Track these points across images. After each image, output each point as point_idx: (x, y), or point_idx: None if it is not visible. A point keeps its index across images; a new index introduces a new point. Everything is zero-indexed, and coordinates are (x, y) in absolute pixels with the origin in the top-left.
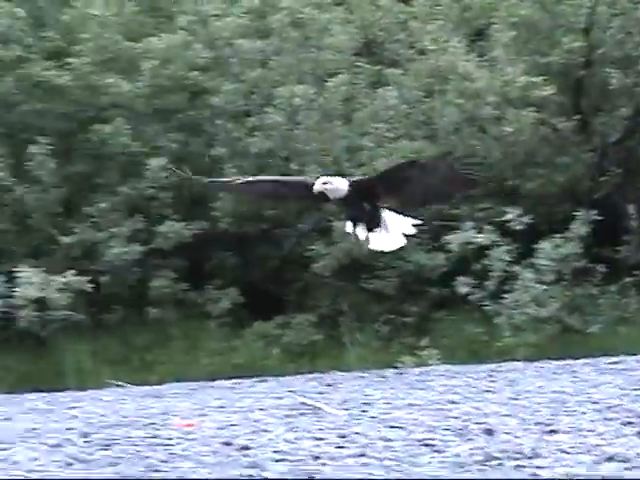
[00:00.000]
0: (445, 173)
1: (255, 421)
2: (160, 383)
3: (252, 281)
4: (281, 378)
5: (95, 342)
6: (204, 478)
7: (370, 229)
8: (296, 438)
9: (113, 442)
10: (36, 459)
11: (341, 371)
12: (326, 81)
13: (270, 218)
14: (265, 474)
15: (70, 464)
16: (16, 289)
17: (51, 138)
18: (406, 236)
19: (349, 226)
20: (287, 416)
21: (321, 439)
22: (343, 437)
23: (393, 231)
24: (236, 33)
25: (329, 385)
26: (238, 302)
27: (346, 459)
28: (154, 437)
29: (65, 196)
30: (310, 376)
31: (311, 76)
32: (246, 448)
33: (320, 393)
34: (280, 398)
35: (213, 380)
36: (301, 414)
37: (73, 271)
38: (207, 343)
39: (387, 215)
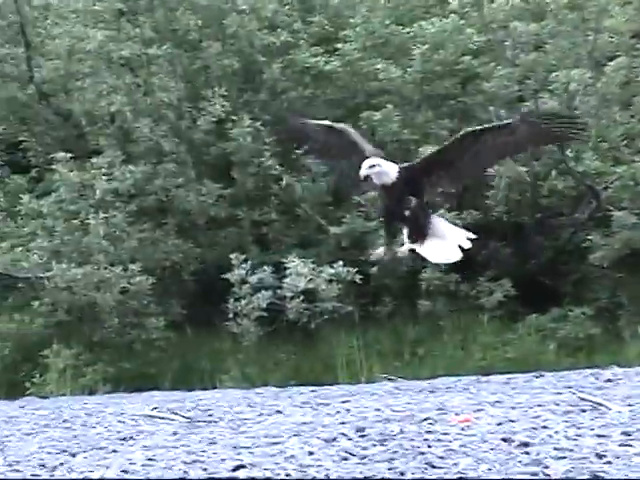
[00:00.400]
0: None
1: (534, 417)
2: (431, 377)
3: (526, 272)
4: (558, 373)
5: (365, 335)
6: (486, 479)
7: (416, 232)
8: (577, 435)
9: (388, 437)
10: (311, 453)
11: (620, 366)
12: (604, 65)
13: (545, 207)
14: (548, 472)
15: (345, 459)
16: (285, 280)
17: None
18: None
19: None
20: (567, 412)
21: (604, 436)
22: (628, 435)
23: (447, 240)
24: (510, 16)
25: (609, 381)
26: (511, 294)
27: (633, 458)
28: (430, 432)
29: (334, 185)
30: (588, 371)
31: (588, 60)
32: (526, 445)
33: (599, 389)
34: (558, 394)
35: (486, 375)
36: (581, 410)
37: (342, 262)
38: (480, 336)
39: (439, 222)
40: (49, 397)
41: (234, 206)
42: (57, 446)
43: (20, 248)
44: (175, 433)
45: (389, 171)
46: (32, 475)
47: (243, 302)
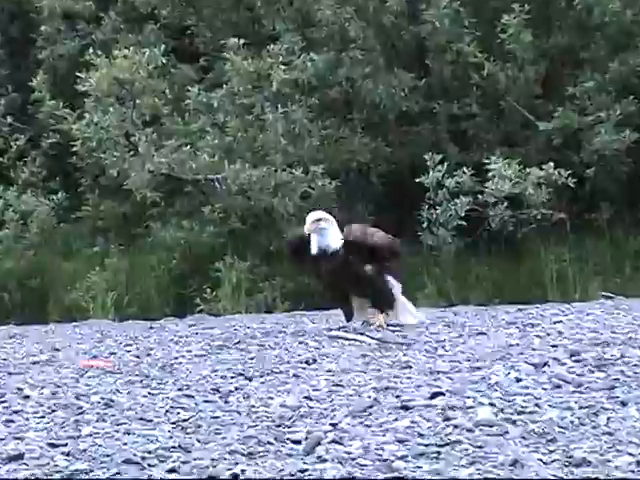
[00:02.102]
0: None
1: None
2: None
3: None
4: None
5: (578, 246)
6: None
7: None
8: None
9: (607, 362)
10: (519, 380)
11: None
12: None
13: None
14: None
15: (558, 386)
16: (487, 184)
17: (527, 5)
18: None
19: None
20: None
21: None
22: None
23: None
24: None
25: None
26: None
27: None
28: None
29: (544, 74)
30: None
31: None
32: None
33: None
34: None
35: None
36: None
37: (552, 162)
38: None
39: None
40: (222, 315)
41: (429, 99)
42: (232, 369)
43: (188, 147)
44: (364, 356)
45: (335, 234)
46: (205, 401)
47: (439, 209)
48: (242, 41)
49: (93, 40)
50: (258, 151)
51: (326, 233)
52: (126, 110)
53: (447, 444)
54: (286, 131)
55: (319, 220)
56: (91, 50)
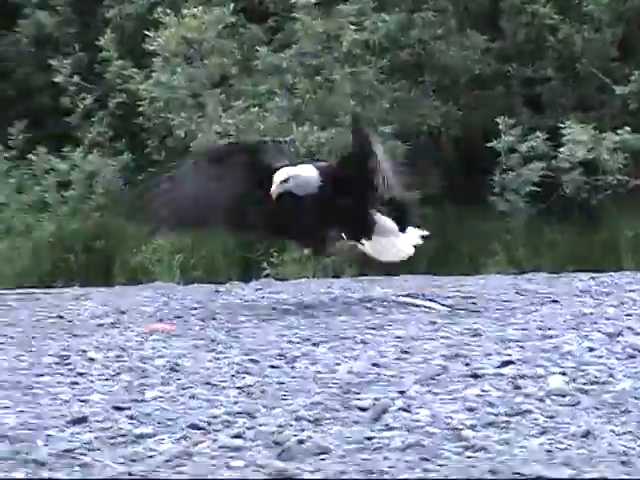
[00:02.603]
0: None
1: None
2: None
3: None
4: None
5: None
6: None
7: (359, 233)
8: None
9: None
10: (591, 349)
11: None
12: None
13: None
14: None
15: (632, 356)
16: (561, 149)
17: None
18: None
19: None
20: None
21: None
22: None
23: (395, 236)
24: None
25: None
26: None
27: None
28: None
29: (620, 37)
30: None
31: None
32: None
33: None
34: None
35: None
36: None
37: (629, 127)
38: None
39: (384, 220)
40: (288, 279)
41: (502, 61)
42: (298, 334)
43: (256, 108)
44: (433, 323)
45: (309, 177)
46: (270, 366)
47: (511, 174)
48: (312, 0)
49: None
50: (327, 113)
51: (300, 182)
52: (194, 70)
53: (517, 414)
54: (355, 93)
55: (284, 182)
56: (159, 9)
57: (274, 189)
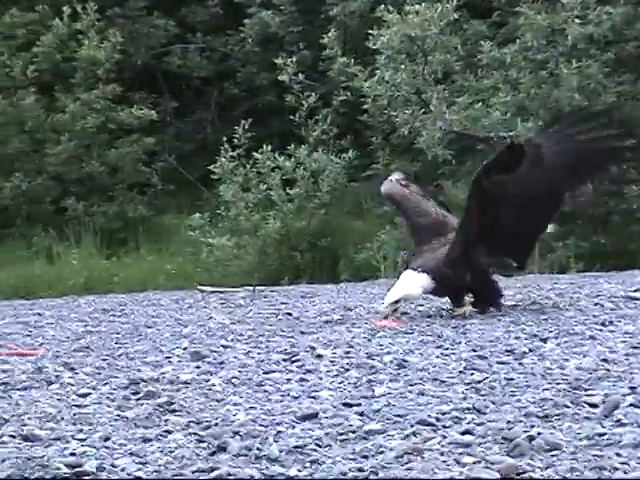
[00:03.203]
0: None
1: None
2: None
3: None
4: None
5: None
6: None
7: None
8: None
9: None
10: None
11: None
12: None
13: None
14: None
15: None
16: None
17: None
18: None
19: None
20: None
21: None
22: None
23: None
24: None
25: None
26: None
27: None
28: None
29: None
30: None
31: None
32: None
33: None
34: None
35: None
36: None
37: None
38: None
39: None
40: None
41: None
42: (525, 330)
43: (480, 104)
44: None
45: (418, 286)
46: (498, 362)
47: None
48: None
49: None
50: (551, 107)
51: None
52: (417, 67)
53: None
54: (581, 86)
55: (395, 303)
56: (382, 6)
57: (385, 310)
